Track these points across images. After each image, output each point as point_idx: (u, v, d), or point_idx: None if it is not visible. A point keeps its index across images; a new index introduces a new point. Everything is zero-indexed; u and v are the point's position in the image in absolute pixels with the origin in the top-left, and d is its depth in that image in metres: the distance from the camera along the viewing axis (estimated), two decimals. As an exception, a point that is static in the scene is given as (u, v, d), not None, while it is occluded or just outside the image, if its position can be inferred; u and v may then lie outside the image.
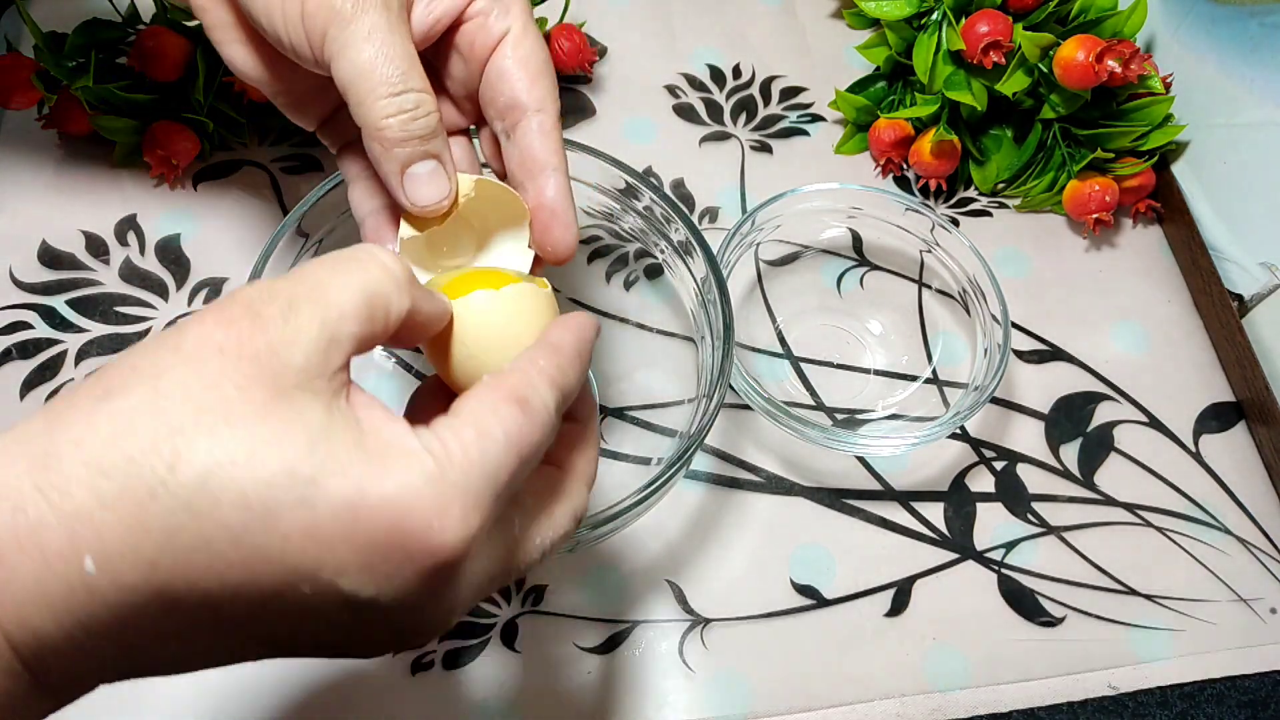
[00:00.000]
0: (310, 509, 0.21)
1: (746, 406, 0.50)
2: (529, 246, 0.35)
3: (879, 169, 0.59)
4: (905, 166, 0.59)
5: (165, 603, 0.21)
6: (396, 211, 0.34)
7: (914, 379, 0.52)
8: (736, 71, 0.63)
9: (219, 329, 0.22)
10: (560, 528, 0.28)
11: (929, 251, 0.53)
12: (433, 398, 0.31)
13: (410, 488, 0.22)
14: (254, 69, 0.35)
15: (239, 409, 0.21)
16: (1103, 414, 0.53)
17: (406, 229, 0.33)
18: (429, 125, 0.31)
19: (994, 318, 0.49)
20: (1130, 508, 0.50)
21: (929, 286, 0.55)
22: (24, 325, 0.50)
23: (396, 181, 0.31)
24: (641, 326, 0.52)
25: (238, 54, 0.35)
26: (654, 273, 0.54)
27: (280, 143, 0.56)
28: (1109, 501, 0.50)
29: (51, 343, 0.49)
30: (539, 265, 0.35)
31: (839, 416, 0.51)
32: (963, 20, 0.55)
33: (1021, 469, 0.51)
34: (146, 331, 0.50)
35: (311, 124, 0.37)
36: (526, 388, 0.25)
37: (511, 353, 0.28)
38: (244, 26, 0.34)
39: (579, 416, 0.30)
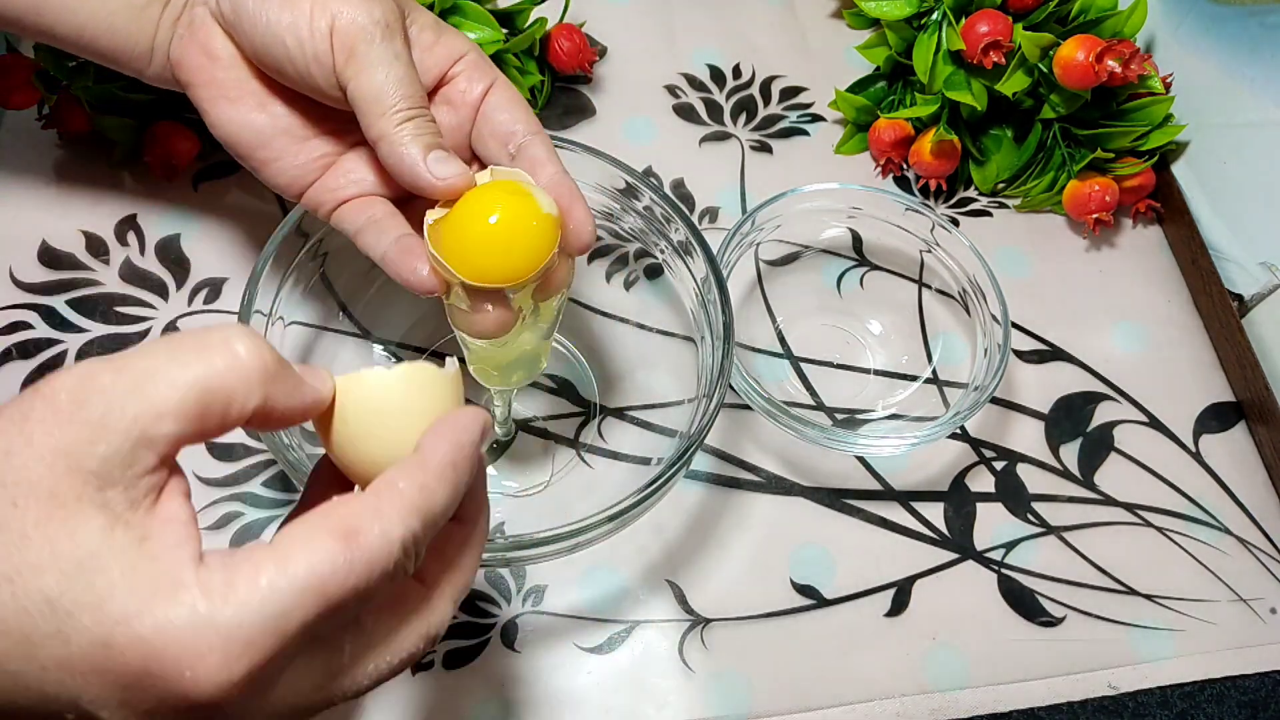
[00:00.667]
0: (64, 643, 0.21)
1: (746, 406, 0.50)
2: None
3: (879, 169, 0.59)
4: (905, 166, 0.59)
5: None
6: (413, 241, 0.36)
7: (914, 379, 0.52)
8: (736, 71, 0.63)
9: (11, 427, 0.21)
10: (403, 652, 0.26)
11: (929, 251, 0.53)
12: (330, 479, 0.29)
13: (165, 631, 0.21)
14: (239, 125, 0.38)
15: (11, 526, 0.21)
16: (1103, 414, 0.53)
17: (432, 215, 0.35)
18: (437, 129, 0.35)
19: (994, 318, 0.49)
20: (1130, 508, 0.50)
21: (929, 286, 0.55)
22: (24, 325, 0.50)
23: (423, 166, 0.34)
24: (641, 326, 0.52)
25: (223, 112, 0.37)
26: (654, 273, 0.54)
27: (280, 143, 0.56)
28: (1109, 501, 0.50)
29: (51, 343, 0.49)
30: (565, 262, 0.36)
31: (839, 416, 0.51)
32: (963, 20, 0.55)
33: (1021, 469, 0.51)
34: (146, 332, 0.50)
35: (297, 186, 0.38)
36: (364, 518, 0.23)
37: (398, 438, 0.26)
38: (232, 83, 0.37)
39: (464, 517, 0.28)
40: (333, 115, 0.37)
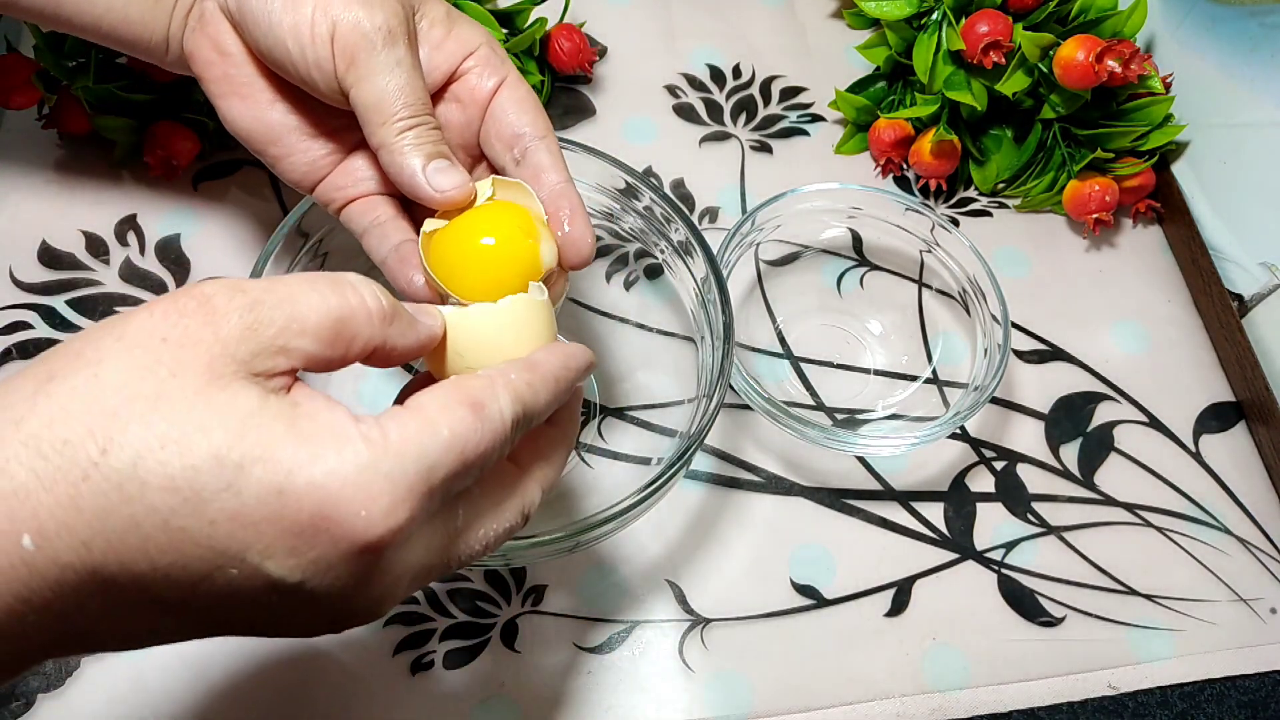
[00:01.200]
0: (236, 495, 0.22)
1: (746, 406, 0.50)
2: (546, 249, 0.35)
3: (879, 169, 0.59)
4: (905, 166, 0.59)
5: (100, 582, 0.22)
6: (411, 249, 0.36)
7: (914, 379, 0.52)
8: (736, 71, 0.63)
9: (165, 320, 0.23)
10: (505, 523, 0.29)
11: (929, 251, 0.53)
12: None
13: (338, 474, 0.22)
14: (252, 121, 0.37)
15: (172, 394, 0.22)
16: (1103, 414, 0.53)
17: (430, 224, 0.35)
18: (440, 136, 0.35)
19: (994, 318, 0.49)
20: (1130, 508, 0.50)
21: (929, 286, 0.55)
22: (24, 325, 0.50)
23: (421, 177, 0.34)
24: (641, 326, 0.52)
25: (235, 107, 0.37)
26: (654, 273, 0.54)
27: (280, 143, 0.56)
28: (1109, 501, 0.50)
29: (51, 343, 0.49)
30: (561, 276, 0.36)
31: (839, 416, 0.51)
32: (963, 20, 0.55)
33: (1021, 469, 0.51)
34: (146, 331, 0.50)
35: (309, 180, 0.38)
36: (486, 394, 0.26)
37: (509, 357, 0.29)
38: (243, 80, 0.37)
39: (558, 421, 0.31)
40: (343, 112, 0.37)
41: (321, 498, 0.22)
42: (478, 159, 0.38)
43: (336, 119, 0.38)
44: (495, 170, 0.37)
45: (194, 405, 0.22)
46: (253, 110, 0.37)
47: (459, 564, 0.27)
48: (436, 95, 0.37)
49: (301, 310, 0.24)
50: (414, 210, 0.38)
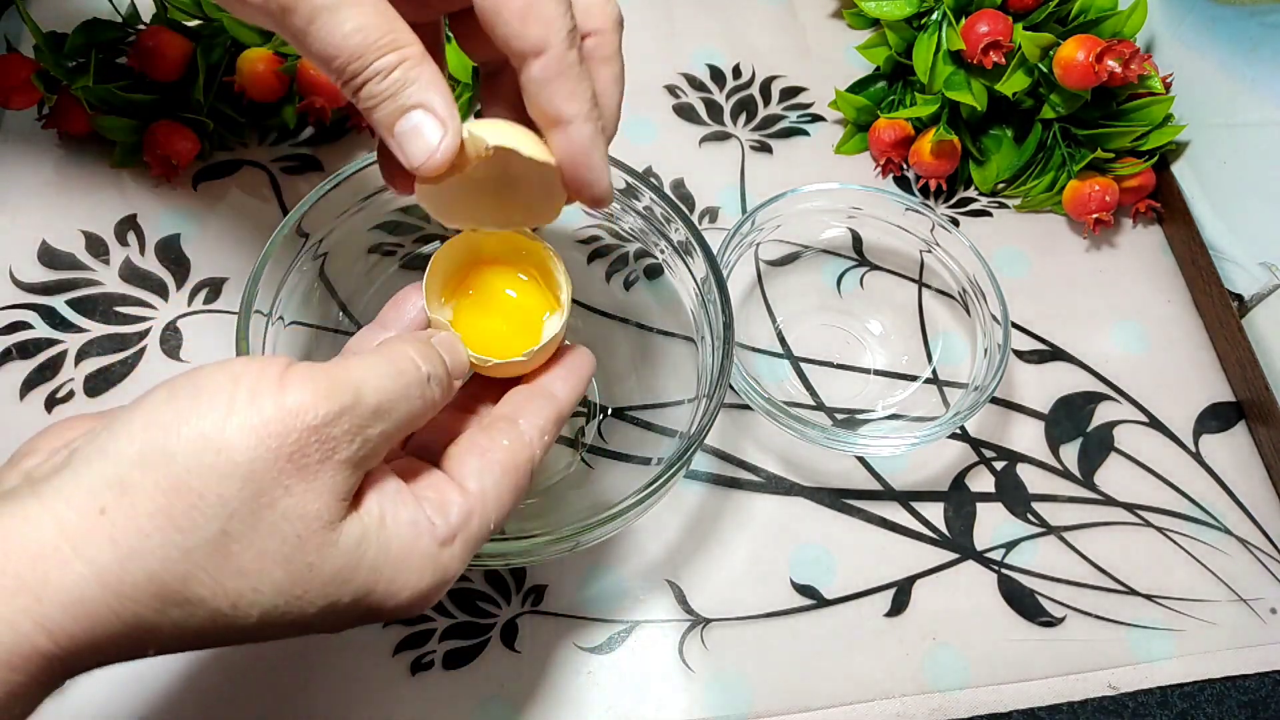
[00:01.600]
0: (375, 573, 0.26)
1: (746, 406, 0.50)
2: (558, 196, 0.32)
3: (879, 169, 0.59)
4: (905, 166, 0.59)
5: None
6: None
7: (914, 379, 0.52)
8: (736, 71, 0.63)
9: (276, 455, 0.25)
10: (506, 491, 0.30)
11: (929, 251, 0.53)
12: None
13: (419, 592, 0.27)
14: None
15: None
16: (1103, 414, 0.53)
17: (421, 187, 0.31)
18: (416, 72, 0.28)
19: (994, 318, 0.49)
20: (1130, 508, 0.50)
21: (929, 286, 0.55)
22: (24, 325, 0.50)
23: (394, 144, 0.28)
24: (641, 326, 0.52)
25: None
26: (654, 273, 0.54)
27: (280, 143, 0.56)
28: (1109, 501, 0.50)
29: (51, 343, 0.49)
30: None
31: (839, 416, 0.51)
32: (963, 20, 0.55)
33: (1021, 469, 0.51)
34: (147, 331, 0.50)
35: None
36: (523, 461, 0.30)
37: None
38: None
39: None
40: None
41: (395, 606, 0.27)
42: None
43: None
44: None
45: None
46: None
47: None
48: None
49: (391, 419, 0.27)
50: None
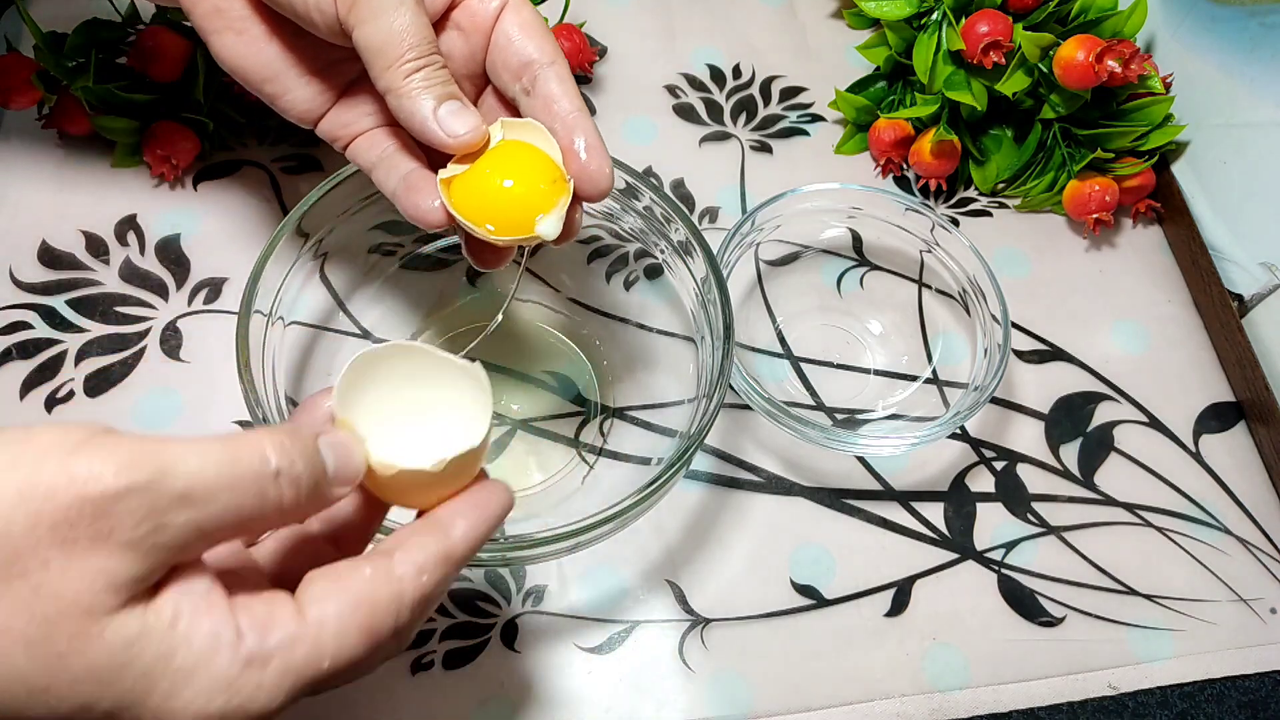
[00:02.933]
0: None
1: (746, 406, 0.50)
2: (564, 182, 0.35)
3: (879, 169, 0.59)
4: (905, 166, 0.59)
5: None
6: (421, 176, 0.36)
7: (914, 379, 0.52)
8: (736, 71, 0.63)
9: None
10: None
11: (929, 251, 0.53)
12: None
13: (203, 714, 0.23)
14: (246, 59, 0.35)
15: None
16: (1103, 414, 0.53)
17: (446, 171, 0.35)
18: (447, 75, 0.34)
19: (994, 318, 0.49)
20: (1130, 508, 0.50)
21: (929, 286, 0.55)
22: (24, 325, 0.50)
23: (433, 122, 0.33)
24: (641, 326, 0.52)
25: (229, 44, 0.35)
26: (654, 273, 0.54)
27: (280, 142, 0.56)
28: (1109, 501, 0.50)
29: (51, 343, 0.49)
30: (576, 205, 0.35)
31: (839, 416, 0.51)
32: (963, 20, 0.55)
33: (1021, 469, 0.51)
34: (147, 332, 0.50)
35: (311, 117, 0.37)
36: (386, 616, 0.25)
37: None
38: (237, 14, 0.34)
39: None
40: (343, 46, 0.35)
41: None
42: (482, 88, 0.37)
43: (336, 51, 0.36)
44: (504, 100, 0.37)
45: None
46: (248, 46, 0.35)
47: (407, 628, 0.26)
48: (438, 25, 0.35)
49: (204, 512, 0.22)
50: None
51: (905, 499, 0.49)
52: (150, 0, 0.39)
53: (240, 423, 0.48)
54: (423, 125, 0.33)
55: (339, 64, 0.37)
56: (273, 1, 0.33)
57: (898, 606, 0.46)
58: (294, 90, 0.36)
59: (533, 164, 0.34)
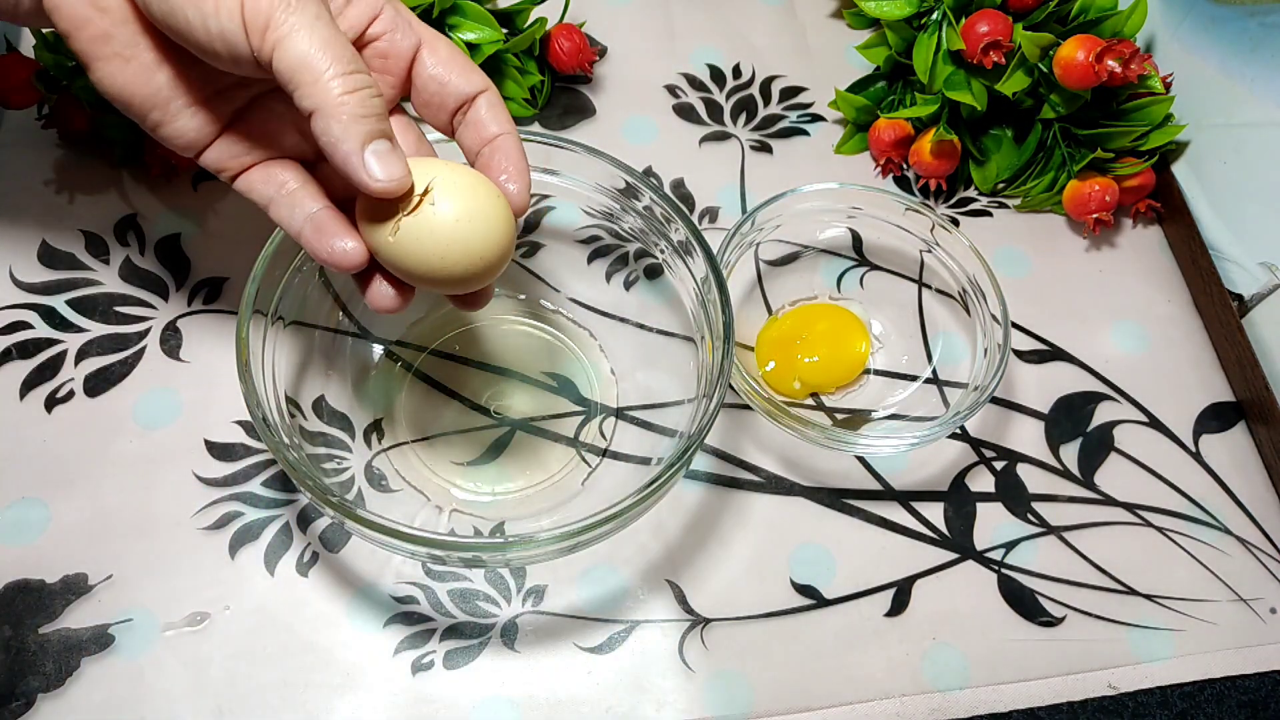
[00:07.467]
0: None
1: (746, 406, 0.50)
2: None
3: (879, 169, 0.60)
4: (905, 166, 0.59)
5: None
6: (334, 213, 0.35)
7: (914, 379, 0.52)
8: (736, 71, 0.63)
9: None
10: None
11: (929, 251, 0.53)
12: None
13: None
14: (131, 86, 0.33)
15: None
16: (1103, 414, 0.53)
17: (370, 228, 0.33)
18: (381, 105, 0.31)
19: (994, 318, 0.49)
20: (1130, 508, 0.50)
21: (929, 286, 0.55)
22: (24, 325, 0.50)
23: (358, 160, 0.31)
24: (641, 326, 0.52)
25: (114, 72, 0.33)
26: (654, 273, 0.54)
27: (280, 143, 0.56)
28: (1109, 501, 0.50)
29: (51, 343, 0.49)
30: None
31: (839, 416, 0.51)
32: (963, 20, 0.55)
33: (1021, 469, 0.51)
34: (146, 331, 0.50)
35: (196, 147, 0.35)
36: None
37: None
38: (125, 40, 0.33)
39: None
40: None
41: None
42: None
43: (226, 78, 0.34)
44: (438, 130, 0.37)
45: None
46: (135, 74, 0.33)
47: None
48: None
49: None
50: (320, 171, 0.36)
51: (905, 499, 0.49)
52: (19, 24, 0.36)
53: (240, 423, 0.48)
54: (345, 159, 0.31)
55: (227, 91, 0.35)
56: (169, 30, 0.31)
57: (898, 606, 0.46)
58: (179, 119, 0.34)
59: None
